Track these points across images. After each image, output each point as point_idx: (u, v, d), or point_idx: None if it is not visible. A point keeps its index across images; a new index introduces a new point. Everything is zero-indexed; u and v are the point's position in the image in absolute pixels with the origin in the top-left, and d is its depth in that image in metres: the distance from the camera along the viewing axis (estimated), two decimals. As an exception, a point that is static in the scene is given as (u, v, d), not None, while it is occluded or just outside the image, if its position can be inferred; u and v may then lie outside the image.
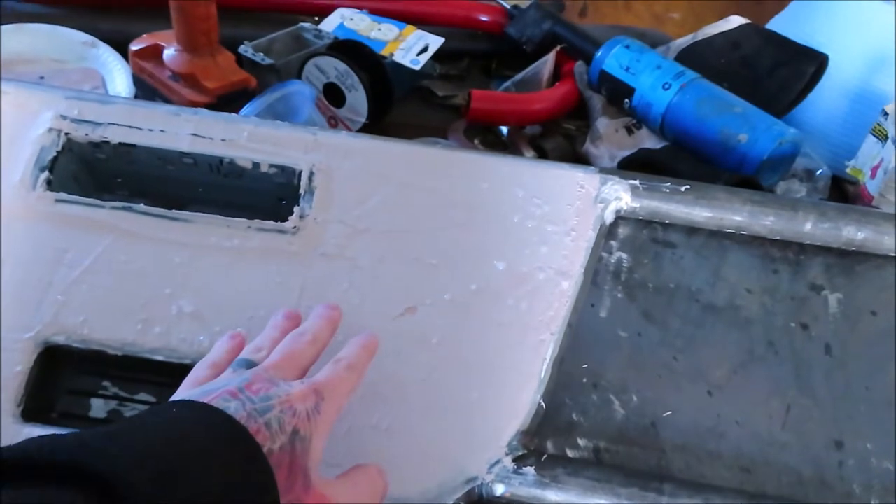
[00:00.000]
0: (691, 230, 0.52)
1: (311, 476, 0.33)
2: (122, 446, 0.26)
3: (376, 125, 0.66)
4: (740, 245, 0.52)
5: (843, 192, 0.70)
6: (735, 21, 0.76)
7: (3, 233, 0.45)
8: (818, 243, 0.52)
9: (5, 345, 0.43)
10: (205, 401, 0.31)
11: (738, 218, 0.52)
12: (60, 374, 0.45)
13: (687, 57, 0.73)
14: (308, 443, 0.33)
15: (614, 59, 0.68)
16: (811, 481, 0.47)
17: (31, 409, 0.43)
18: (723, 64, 0.72)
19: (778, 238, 0.52)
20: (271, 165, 0.49)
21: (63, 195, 0.47)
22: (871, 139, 0.66)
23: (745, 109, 0.64)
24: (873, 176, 0.65)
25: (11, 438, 0.41)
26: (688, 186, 0.52)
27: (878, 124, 0.65)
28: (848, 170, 0.68)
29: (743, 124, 0.62)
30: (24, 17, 0.72)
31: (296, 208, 0.48)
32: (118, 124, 0.49)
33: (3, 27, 0.69)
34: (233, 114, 0.51)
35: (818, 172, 0.67)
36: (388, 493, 0.42)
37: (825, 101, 0.71)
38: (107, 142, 0.49)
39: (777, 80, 0.70)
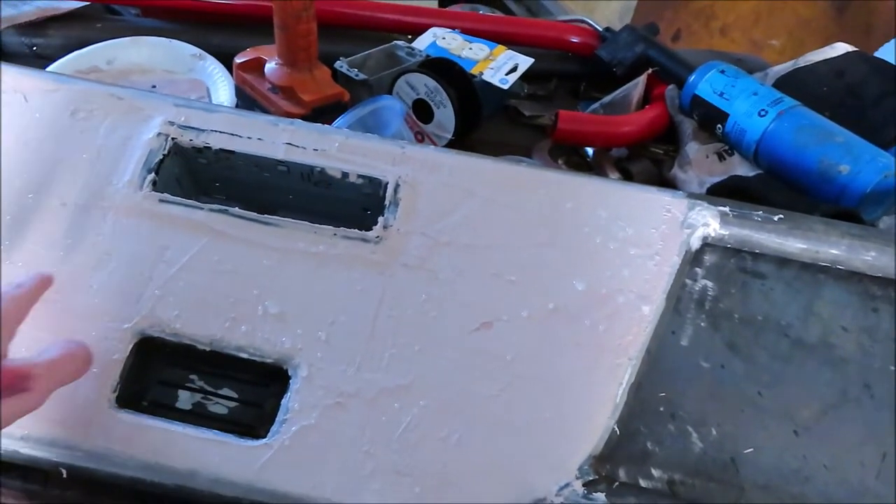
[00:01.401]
0: (783, 261, 0.50)
1: None
2: None
3: (462, 142, 0.67)
4: (836, 280, 0.50)
5: (953, 230, 0.66)
6: (841, 48, 0.73)
7: (111, 228, 0.49)
8: (924, 283, 0.49)
9: (105, 333, 0.46)
10: None
11: (835, 251, 0.49)
12: (153, 364, 0.48)
13: (786, 84, 0.71)
14: None
15: (708, 83, 0.67)
16: (905, 536, 0.44)
17: (125, 397, 0.45)
18: (825, 92, 0.70)
19: (879, 275, 0.49)
20: (359, 176, 0.51)
21: (167, 196, 0.50)
22: (985, 175, 0.62)
23: (848, 139, 0.61)
24: None
25: (105, 424, 0.44)
26: (781, 216, 0.50)
27: None
28: (959, 207, 0.64)
29: (845, 155, 0.60)
30: (142, 31, 0.77)
31: (380, 219, 0.49)
32: (220, 131, 0.52)
33: (122, 39, 0.75)
34: (325, 125, 0.53)
35: (926, 208, 0.63)
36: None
37: (936, 133, 0.67)
38: (209, 147, 0.52)
39: (884, 110, 0.67)
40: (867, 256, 0.49)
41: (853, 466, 0.45)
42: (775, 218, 0.50)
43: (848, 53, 0.72)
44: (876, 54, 0.76)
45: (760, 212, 0.50)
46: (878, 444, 0.46)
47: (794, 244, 0.50)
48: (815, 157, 0.60)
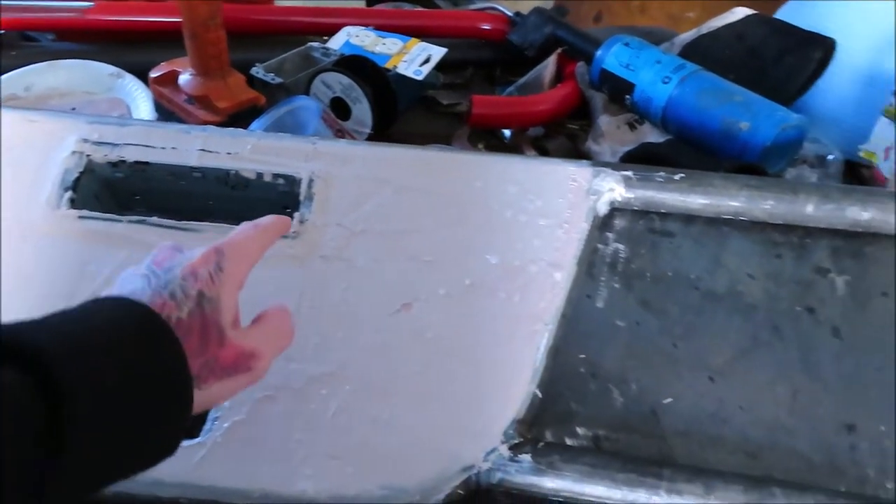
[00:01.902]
0: (689, 218, 0.52)
1: (225, 332, 0.35)
2: (43, 327, 0.29)
3: (382, 135, 0.69)
4: (740, 231, 0.52)
5: (858, 176, 0.69)
6: (740, 13, 0.76)
7: (32, 249, 0.49)
8: (822, 226, 0.52)
9: (31, 352, 0.46)
10: (116, 291, 0.34)
11: (735, 204, 0.52)
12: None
13: (692, 51, 0.74)
14: (217, 303, 0.35)
15: (614, 56, 0.69)
16: (822, 466, 0.46)
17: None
18: (728, 55, 0.72)
19: (780, 222, 0.52)
20: (274, 175, 0.52)
21: (85, 212, 0.50)
22: (883, 121, 0.65)
23: (747, 98, 0.64)
24: (886, 157, 0.64)
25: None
26: (682, 175, 0.52)
27: (890, 105, 0.64)
28: (861, 153, 0.67)
29: (744, 112, 0.62)
30: (59, 54, 0.77)
31: (296, 214, 0.50)
32: (134, 144, 0.53)
33: (39, 65, 0.75)
34: (238, 129, 0.54)
35: (829, 158, 0.66)
36: (389, 483, 0.43)
37: (835, 86, 0.70)
38: (123, 161, 0.52)
39: (784, 68, 0.70)
40: (766, 205, 0.52)
41: (767, 405, 0.48)
42: (676, 177, 0.52)
43: (747, 17, 0.75)
44: (776, 15, 0.79)
45: (662, 172, 0.52)
46: (789, 382, 0.48)
47: (697, 200, 0.52)
48: (717, 117, 0.63)
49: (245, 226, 0.40)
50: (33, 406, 0.26)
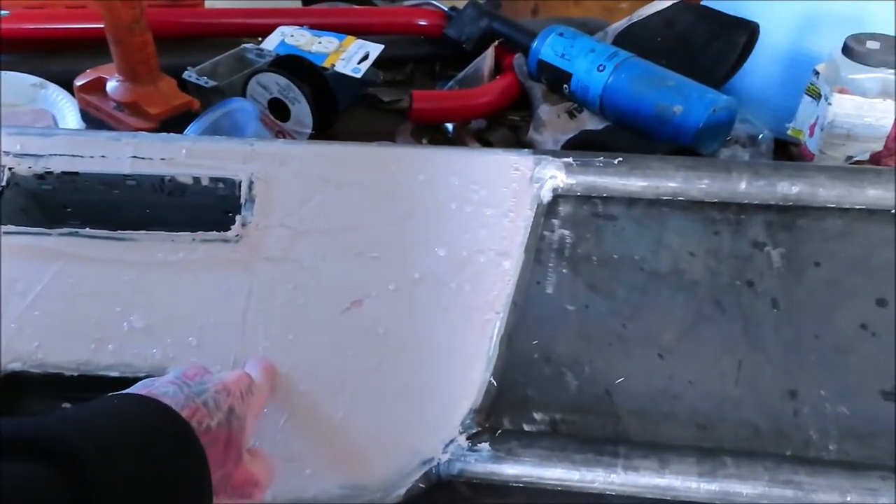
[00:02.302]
0: (630, 201, 0.54)
1: (242, 453, 0.36)
2: (72, 426, 0.28)
3: (323, 135, 0.68)
4: (680, 211, 0.54)
5: (787, 153, 0.72)
6: (669, 0, 0.78)
7: (-47, 269, 0.47)
8: (756, 201, 0.53)
9: (-38, 376, 0.44)
10: (144, 392, 0.34)
11: (672, 184, 0.53)
12: (22, 399, 0.46)
13: (624, 39, 0.75)
14: (243, 421, 0.36)
15: (549, 47, 0.70)
16: (768, 432, 0.48)
17: (-6, 437, 0.43)
18: (659, 43, 0.74)
19: (716, 200, 0.53)
20: (211, 179, 0.51)
21: (10, 227, 0.48)
22: (806, 99, 0.68)
23: (678, 82, 0.65)
24: (811, 134, 0.67)
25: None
26: (621, 159, 0.53)
27: (812, 84, 0.67)
28: (789, 131, 0.70)
29: (676, 96, 0.64)
30: (-25, 67, 0.74)
31: (237, 217, 0.49)
32: (60, 154, 0.51)
33: (-46, 78, 0.71)
34: (171, 133, 0.52)
35: (760, 137, 0.69)
36: (349, 482, 0.43)
37: (761, 67, 0.73)
38: (50, 172, 0.50)
39: (712, 52, 0.72)
40: (702, 184, 0.53)
41: (715, 378, 0.49)
42: (615, 161, 0.53)
43: (676, 4, 0.77)
44: (703, 2, 0.81)
45: (602, 158, 0.53)
46: (734, 354, 0.50)
47: (636, 183, 0.53)
48: (651, 101, 0.64)
49: (258, 362, 0.43)
50: (62, 501, 0.26)
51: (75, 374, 0.45)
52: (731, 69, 0.71)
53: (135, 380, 0.45)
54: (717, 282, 0.52)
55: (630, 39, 0.74)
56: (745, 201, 0.53)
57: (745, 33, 0.71)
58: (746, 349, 0.50)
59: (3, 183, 0.49)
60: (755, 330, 0.50)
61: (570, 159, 0.53)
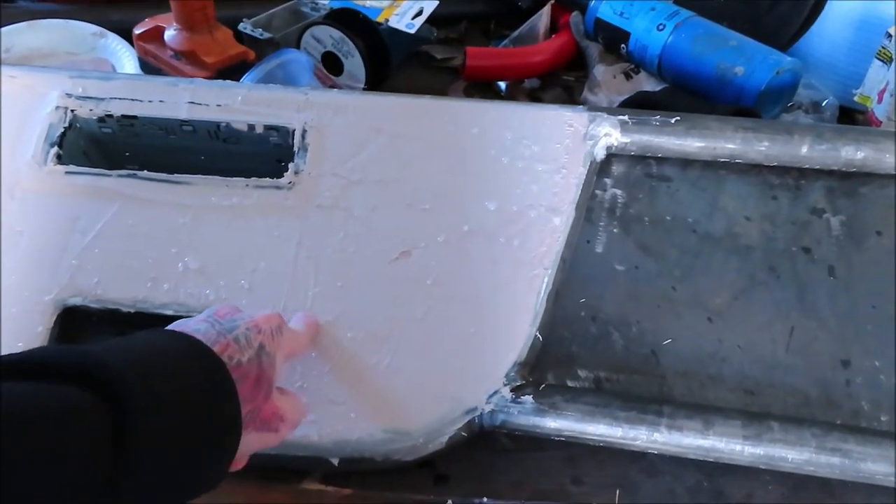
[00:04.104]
0: (686, 162, 0.52)
1: (272, 388, 0.36)
2: (114, 355, 0.29)
3: (375, 91, 0.68)
4: (737, 174, 0.52)
5: (853, 121, 0.69)
6: (733, -41, 0.74)
7: (19, 206, 0.48)
8: (817, 166, 0.52)
9: (27, 307, 0.46)
10: (178, 328, 0.35)
11: (731, 146, 0.52)
12: (79, 333, 0.48)
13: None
14: (273, 358, 0.37)
15: (608, 5, 0.68)
16: (818, 401, 0.47)
17: (55, 368, 0.45)
18: (722, 4, 0.71)
19: (775, 164, 0.52)
20: (266, 127, 0.51)
21: (72, 167, 0.49)
22: (876, 63, 0.65)
23: (741, 43, 0.63)
24: (880, 101, 0.64)
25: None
26: (678, 118, 0.52)
27: (883, 48, 0.64)
28: (856, 98, 0.67)
29: (739, 57, 0.62)
30: (38, 14, 0.75)
31: (290, 165, 0.49)
32: (120, 98, 0.52)
33: (18, 25, 0.73)
34: (227, 80, 0.53)
35: (824, 103, 0.66)
36: (392, 426, 0.43)
37: (828, 30, 0.70)
38: (110, 115, 0.51)
39: (777, 14, 0.69)
40: (761, 147, 0.51)
41: (765, 343, 0.48)
42: (672, 121, 0.52)
43: (740, -37, 0.74)
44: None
45: (658, 116, 0.52)
46: (786, 320, 0.49)
47: (693, 143, 0.52)
48: (712, 62, 0.62)
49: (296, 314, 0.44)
50: (101, 424, 0.27)
51: (132, 311, 0.46)
52: (798, 31, 0.69)
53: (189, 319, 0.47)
54: (772, 247, 0.50)
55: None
56: (806, 166, 0.52)
57: (813, -6, 0.68)
58: (800, 316, 0.49)
59: (66, 124, 0.51)
60: (810, 297, 0.49)
61: (625, 117, 0.52)
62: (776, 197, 0.52)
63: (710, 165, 0.52)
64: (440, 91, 0.71)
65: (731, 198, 0.52)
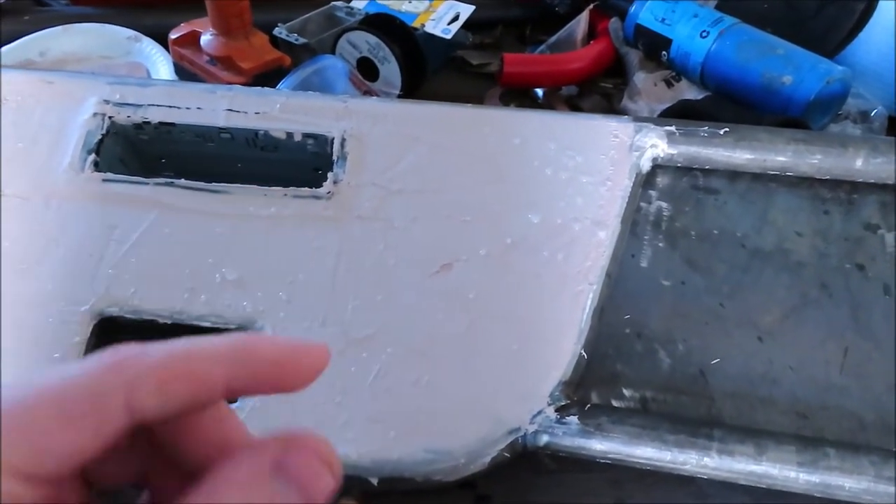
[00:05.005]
0: (734, 175, 0.51)
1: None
2: None
3: (412, 96, 0.67)
4: (787, 187, 0.50)
5: (902, 132, 0.67)
6: (777, -37, 0.73)
7: (55, 214, 0.48)
8: (871, 180, 0.50)
9: (63, 318, 0.45)
10: None
11: (782, 158, 0.50)
12: (116, 343, 0.47)
13: (726, 4, 0.71)
14: None
15: (649, 11, 0.67)
16: (873, 425, 0.45)
17: (91, 379, 0.44)
18: (766, 9, 0.70)
19: (827, 177, 0.50)
20: (304, 135, 0.50)
21: (109, 175, 0.49)
22: (928, 73, 0.63)
23: (789, 51, 0.61)
24: (933, 111, 0.62)
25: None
26: (727, 129, 0.50)
27: (937, 57, 0.62)
28: (906, 108, 0.65)
29: (787, 66, 0.60)
30: (73, 19, 0.75)
31: (329, 174, 0.48)
32: (157, 105, 0.51)
33: (53, 29, 0.73)
34: (265, 88, 0.52)
35: (873, 113, 0.64)
36: (433, 446, 0.42)
37: (877, 38, 0.67)
38: (148, 122, 0.51)
39: (824, 20, 0.67)
40: (813, 160, 0.50)
41: (818, 364, 0.46)
42: (721, 132, 0.50)
43: (785, -32, 0.72)
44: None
45: (706, 127, 0.50)
46: (840, 340, 0.47)
47: (742, 155, 0.50)
48: (758, 71, 0.61)
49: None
50: None
51: (169, 322, 0.46)
52: (845, 39, 0.67)
53: (226, 331, 0.46)
54: (824, 264, 0.49)
55: (734, 4, 0.70)
56: (860, 180, 0.50)
57: (862, 0, 0.66)
58: (854, 336, 0.47)
59: (104, 131, 0.50)
60: (864, 316, 0.47)
61: (672, 128, 0.50)
62: (828, 212, 0.50)
63: (759, 178, 0.51)
64: (476, 97, 0.70)
65: (781, 212, 0.50)
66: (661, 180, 0.51)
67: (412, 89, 0.67)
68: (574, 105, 0.68)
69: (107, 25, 0.73)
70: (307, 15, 0.71)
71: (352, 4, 0.72)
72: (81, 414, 0.18)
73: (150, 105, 0.51)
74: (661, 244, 0.49)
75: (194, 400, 0.20)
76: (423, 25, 0.69)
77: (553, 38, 0.71)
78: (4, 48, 0.71)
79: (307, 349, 0.22)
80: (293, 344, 0.22)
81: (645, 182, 0.50)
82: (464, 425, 0.43)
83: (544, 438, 0.43)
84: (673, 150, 0.50)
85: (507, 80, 0.67)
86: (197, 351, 0.20)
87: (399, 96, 0.66)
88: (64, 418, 0.18)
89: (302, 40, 0.66)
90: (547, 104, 0.69)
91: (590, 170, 0.49)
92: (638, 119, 0.51)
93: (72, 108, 0.51)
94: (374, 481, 0.42)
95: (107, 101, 0.51)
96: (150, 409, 0.19)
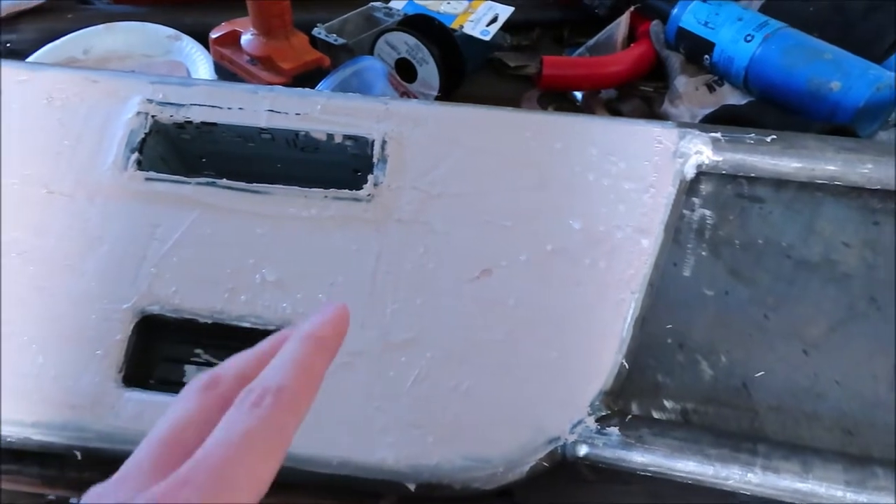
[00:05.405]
0: (780, 183, 0.50)
1: None
2: None
3: (449, 98, 0.66)
4: (835, 197, 0.49)
5: (951, 141, 0.65)
6: (824, -34, 0.71)
7: (99, 211, 0.48)
8: (924, 191, 0.48)
9: (105, 315, 0.45)
10: None
11: (831, 168, 0.49)
12: (156, 342, 0.47)
13: (771, 7, 0.69)
14: None
15: (691, 14, 0.66)
16: (923, 444, 0.44)
17: (131, 376, 0.45)
18: (811, 12, 0.68)
19: (877, 187, 0.49)
20: (345, 136, 0.50)
21: (152, 174, 0.49)
22: (982, 80, 0.61)
23: (837, 56, 0.60)
24: None
25: (113, 404, 0.43)
26: (774, 137, 0.49)
27: None
28: (956, 116, 0.63)
29: (835, 71, 0.59)
30: (114, 17, 0.76)
31: (370, 176, 0.48)
32: (200, 105, 0.51)
33: (96, 27, 0.74)
34: (307, 89, 0.52)
35: (923, 121, 0.62)
36: (472, 453, 0.42)
37: (929, 43, 0.66)
38: (190, 122, 0.51)
39: (872, 23, 0.65)
40: (864, 169, 0.48)
41: (865, 380, 0.45)
42: (768, 139, 0.49)
43: (832, -29, 0.70)
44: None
45: (753, 134, 0.49)
46: (889, 355, 0.45)
47: (790, 164, 0.49)
48: (804, 76, 0.59)
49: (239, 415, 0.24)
50: None
51: (209, 321, 0.46)
52: (894, 44, 0.65)
53: (265, 332, 0.46)
54: (873, 276, 0.47)
55: (778, 8, 0.69)
56: (912, 190, 0.49)
57: (913, 4, 0.64)
58: (904, 352, 0.46)
59: (147, 130, 0.51)
60: (914, 332, 0.46)
61: (717, 134, 0.49)
62: (878, 222, 0.49)
63: (806, 187, 0.50)
64: (513, 99, 0.70)
65: (829, 222, 0.49)
66: (705, 188, 0.50)
67: (449, 91, 0.67)
68: (613, 109, 0.67)
69: (148, 24, 0.74)
70: (345, 15, 0.71)
71: (390, 5, 0.72)
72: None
73: (192, 105, 0.51)
74: (704, 253, 0.48)
75: None
76: (461, 27, 0.69)
77: (592, 41, 0.71)
78: (49, 45, 0.72)
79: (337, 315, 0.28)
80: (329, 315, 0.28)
81: (688, 189, 0.49)
82: (503, 433, 0.42)
83: (584, 449, 0.42)
84: (718, 157, 0.49)
85: (546, 82, 0.67)
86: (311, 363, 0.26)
87: (436, 98, 0.66)
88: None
89: (340, 41, 0.66)
90: (585, 107, 0.68)
91: (633, 176, 0.48)
92: (682, 125, 0.50)
93: (116, 107, 0.51)
94: (412, 487, 0.42)
95: (150, 101, 0.51)
96: None
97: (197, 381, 0.26)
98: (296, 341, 0.27)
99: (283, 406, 0.24)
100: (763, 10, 0.68)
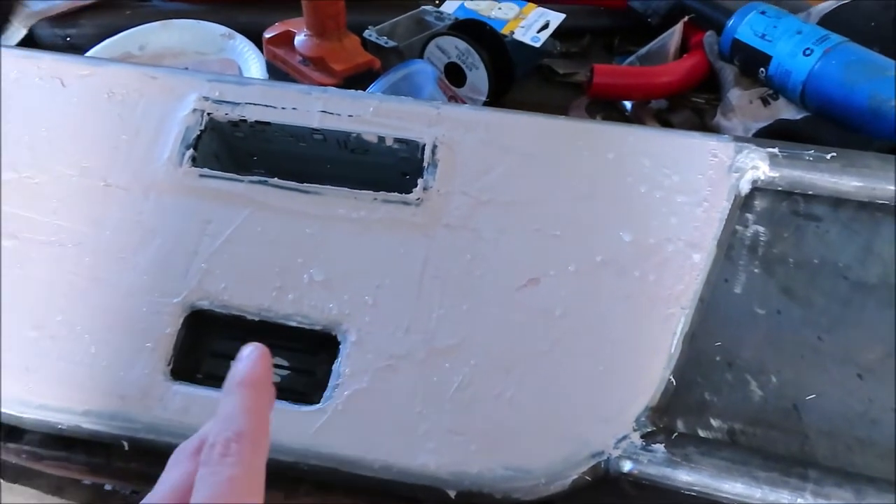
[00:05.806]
0: (838, 202, 0.48)
1: None
2: None
3: (497, 103, 0.66)
4: (895, 217, 0.48)
5: None
6: (887, -19, 0.69)
7: (154, 205, 0.49)
8: None
9: (156, 308, 0.46)
10: None
11: (892, 188, 0.47)
12: (205, 337, 0.48)
13: (831, 22, 0.68)
14: None
15: (748, 26, 0.64)
16: (982, 477, 0.42)
17: (179, 369, 0.46)
18: (873, 28, 0.66)
19: (941, 210, 0.47)
20: (395, 140, 0.50)
21: (206, 170, 0.50)
22: None
23: (901, 73, 0.58)
24: None
25: (162, 396, 0.44)
26: (834, 154, 0.48)
27: None
28: None
29: (898, 89, 0.57)
30: (170, 14, 0.78)
31: (420, 181, 0.48)
32: (254, 104, 0.52)
33: (152, 24, 0.75)
34: (359, 91, 0.52)
35: None
36: (514, 463, 0.41)
37: None
38: (244, 120, 0.52)
39: (937, 41, 0.64)
40: (928, 191, 0.47)
41: (922, 408, 0.44)
42: (828, 156, 0.48)
43: (896, -15, 0.68)
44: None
45: (812, 151, 0.48)
46: (948, 384, 0.44)
47: (849, 182, 0.48)
48: (865, 93, 0.58)
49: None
50: None
51: (256, 318, 0.46)
52: (959, 62, 0.63)
53: (311, 331, 0.46)
54: (934, 302, 0.46)
55: (838, 22, 0.67)
56: (977, 214, 0.47)
57: (981, 22, 0.62)
58: (963, 381, 0.44)
59: (202, 127, 0.51)
60: (976, 360, 0.45)
61: (774, 150, 0.48)
62: (940, 246, 0.47)
63: (865, 207, 0.48)
64: (561, 107, 0.69)
65: (888, 243, 0.48)
66: (760, 204, 0.49)
67: (498, 96, 0.66)
68: (663, 119, 0.66)
69: (202, 22, 0.75)
70: (397, 18, 0.71)
71: (441, 9, 0.72)
72: None
73: (247, 104, 0.52)
74: (756, 270, 0.47)
75: None
76: (512, 32, 0.68)
77: (644, 50, 0.70)
78: (107, 41, 0.73)
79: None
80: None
81: (742, 205, 0.48)
82: (546, 444, 0.42)
83: (628, 465, 0.41)
84: (774, 173, 0.48)
85: (596, 90, 0.66)
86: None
87: (485, 103, 0.66)
88: None
89: (391, 43, 0.67)
90: (635, 117, 0.67)
91: (686, 189, 0.47)
92: (738, 139, 0.49)
93: (173, 103, 0.52)
94: (452, 494, 0.42)
95: (206, 98, 0.52)
96: None
97: (188, 444, 0.29)
98: (232, 393, 0.29)
99: (249, 448, 0.26)
100: (822, 24, 0.67)
